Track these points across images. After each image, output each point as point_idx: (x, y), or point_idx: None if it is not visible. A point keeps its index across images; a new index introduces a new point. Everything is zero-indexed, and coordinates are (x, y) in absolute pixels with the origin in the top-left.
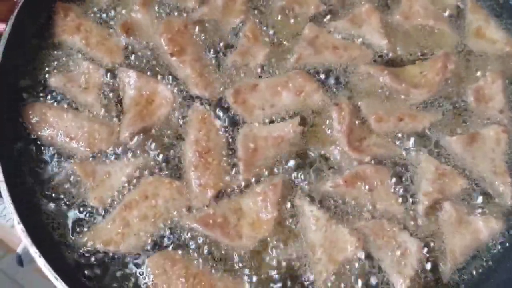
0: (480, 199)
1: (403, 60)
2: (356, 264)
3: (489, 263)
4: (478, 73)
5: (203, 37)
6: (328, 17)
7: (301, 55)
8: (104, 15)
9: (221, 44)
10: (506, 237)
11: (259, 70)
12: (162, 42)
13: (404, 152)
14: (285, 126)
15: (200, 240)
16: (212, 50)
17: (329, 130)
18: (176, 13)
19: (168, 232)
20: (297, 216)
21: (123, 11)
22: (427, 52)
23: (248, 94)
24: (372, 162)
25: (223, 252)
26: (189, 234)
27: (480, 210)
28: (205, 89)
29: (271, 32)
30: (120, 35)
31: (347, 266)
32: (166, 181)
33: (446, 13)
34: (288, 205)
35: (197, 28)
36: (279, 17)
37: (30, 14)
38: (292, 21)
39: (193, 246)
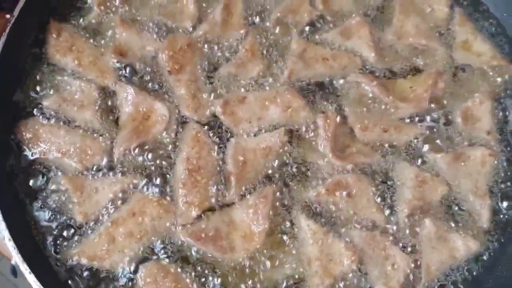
0: (458, 217)
1: (394, 75)
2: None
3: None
4: (467, 93)
5: (205, 55)
6: (319, 26)
7: (293, 70)
8: (94, 35)
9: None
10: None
11: (253, 82)
12: (162, 58)
13: (386, 161)
14: (271, 136)
15: (192, 255)
16: (210, 69)
17: (314, 139)
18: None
19: (157, 247)
20: (293, 229)
21: (108, 33)
22: (418, 68)
23: (237, 106)
24: (356, 170)
25: (214, 267)
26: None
27: (458, 227)
28: (195, 111)
29: (267, 44)
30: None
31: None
32: (153, 199)
33: (436, 29)
34: (281, 217)
35: (199, 45)
36: (277, 29)
37: (22, 32)
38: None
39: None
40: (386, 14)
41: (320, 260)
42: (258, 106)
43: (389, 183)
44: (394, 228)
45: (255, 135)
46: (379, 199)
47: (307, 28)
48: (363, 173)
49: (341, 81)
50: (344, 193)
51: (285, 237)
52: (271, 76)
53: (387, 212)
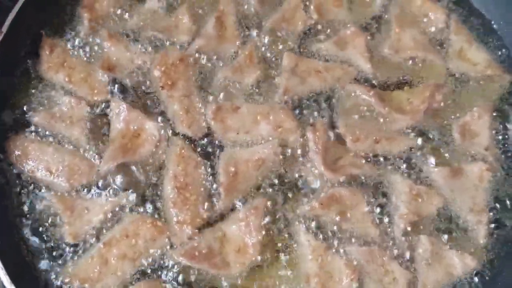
0: (455, 233)
1: (389, 86)
2: None
3: None
4: (464, 106)
5: (199, 69)
6: (312, 36)
7: (287, 87)
8: (85, 51)
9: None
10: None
11: (250, 90)
12: (155, 74)
13: (379, 173)
14: (265, 148)
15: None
16: (205, 84)
17: (304, 156)
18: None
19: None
20: (291, 245)
21: (98, 48)
22: (415, 80)
23: (228, 114)
24: (349, 183)
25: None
26: (170, 272)
27: (455, 244)
28: (189, 127)
29: (260, 55)
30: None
31: None
32: (148, 221)
33: (433, 39)
34: (277, 230)
35: (193, 60)
36: (269, 39)
37: (12, 48)
38: (280, 46)
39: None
40: (382, 25)
41: (319, 277)
42: (249, 119)
43: (383, 196)
44: (390, 243)
45: (246, 146)
46: (374, 213)
47: (300, 39)
48: (357, 186)
49: (335, 92)
50: (338, 206)
51: (281, 254)
52: (268, 88)
53: (383, 226)
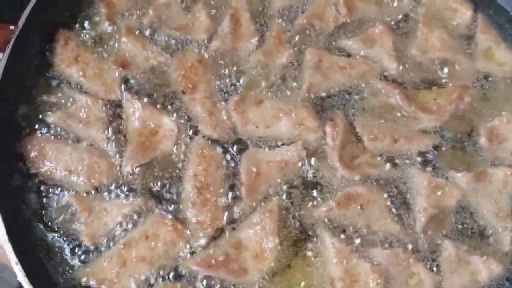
0: (479, 239)
1: (416, 86)
2: None
3: None
4: (492, 109)
5: (218, 71)
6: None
7: (312, 84)
8: (99, 47)
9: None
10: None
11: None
12: (175, 78)
13: (396, 171)
14: (288, 150)
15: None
16: (225, 83)
17: (322, 154)
18: (181, 47)
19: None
20: (312, 248)
21: (114, 43)
22: (443, 81)
23: (250, 107)
24: (366, 181)
25: None
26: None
27: (480, 249)
28: (214, 129)
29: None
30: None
31: None
32: (168, 223)
33: (460, 39)
34: (295, 233)
35: (211, 60)
36: (297, 38)
37: (27, 44)
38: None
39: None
40: (410, 25)
41: (344, 281)
42: (271, 114)
43: (401, 192)
44: (412, 243)
45: (269, 147)
46: (393, 210)
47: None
48: (374, 183)
49: (359, 90)
50: (356, 205)
51: (309, 253)
52: (294, 81)
53: (402, 222)
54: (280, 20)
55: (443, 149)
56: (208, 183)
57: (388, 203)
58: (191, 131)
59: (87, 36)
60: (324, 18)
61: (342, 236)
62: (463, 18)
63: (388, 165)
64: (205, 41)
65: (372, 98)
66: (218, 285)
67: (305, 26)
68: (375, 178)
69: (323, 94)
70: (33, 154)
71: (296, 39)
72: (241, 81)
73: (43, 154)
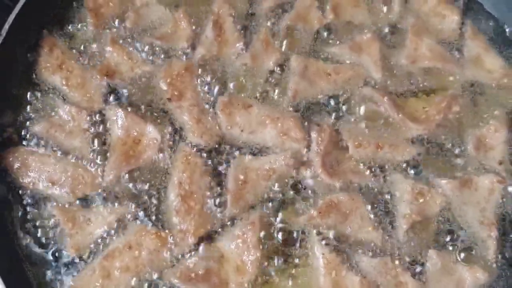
0: (464, 247)
1: (404, 94)
2: None
3: None
4: (480, 118)
5: (205, 78)
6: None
7: (297, 91)
8: (84, 55)
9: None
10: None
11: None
12: (161, 86)
13: (379, 178)
14: (277, 159)
15: None
16: (211, 90)
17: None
18: (164, 56)
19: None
20: (301, 257)
21: (99, 52)
22: (431, 89)
23: (238, 110)
24: (348, 188)
25: None
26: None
27: (465, 258)
28: (201, 137)
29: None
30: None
31: None
32: (152, 231)
33: (449, 46)
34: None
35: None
36: (284, 41)
37: (11, 52)
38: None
39: None
40: (399, 34)
41: None
42: (257, 119)
43: (384, 199)
44: (396, 251)
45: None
46: (376, 218)
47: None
48: (356, 191)
49: (346, 97)
50: (338, 214)
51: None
52: (280, 87)
53: (385, 230)
54: (268, 23)
55: (428, 156)
56: (192, 191)
57: (370, 210)
58: (176, 138)
59: (72, 44)
60: (308, 19)
61: (325, 243)
62: (451, 25)
63: (371, 172)
64: (189, 49)
65: (359, 105)
66: None
67: (291, 28)
68: (357, 185)
69: (312, 100)
70: (16, 165)
71: (284, 42)
72: (228, 86)
73: (26, 165)
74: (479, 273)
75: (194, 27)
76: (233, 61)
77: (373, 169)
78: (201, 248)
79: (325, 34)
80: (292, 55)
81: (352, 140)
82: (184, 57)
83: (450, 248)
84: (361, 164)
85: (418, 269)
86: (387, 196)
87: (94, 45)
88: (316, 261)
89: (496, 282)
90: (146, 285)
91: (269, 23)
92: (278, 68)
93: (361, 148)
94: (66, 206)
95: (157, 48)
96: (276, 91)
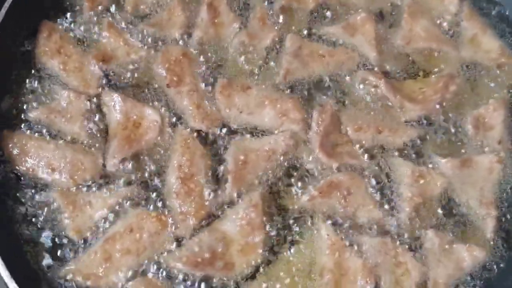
0: (463, 226)
1: (401, 75)
2: None
3: None
4: (478, 98)
5: (203, 62)
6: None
7: (289, 70)
8: (81, 40)
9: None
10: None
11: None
12: (159, 72)
13: (379, 161)
14: (276, 139)
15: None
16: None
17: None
18: (160, 43)
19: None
20: (303, 236)
21: (95, 37)
22: (427, 70)
23: (237, 92)
24: (345, 169)
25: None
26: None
27: (463, 236)
28: (202, 122)
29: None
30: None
31: None
32: (152, 214)
33: (445, 27)
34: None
35: (196, 53)
36: (280, 19)
37: (9, 37)
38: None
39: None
40: (395, 14)
41: (333, 273)
42: (256, 101)
43: (385, 183)
44: (395, 226)
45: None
46: (377, 198)
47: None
48: (357, 173)
49: (344, 79)
50: (339, 193)
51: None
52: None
53: (385, 210)
54: (265, 3)
55: (428, 138)
56: (193, 173)
57: (372, 191)
58: (175, 120)
59: (69, 29)
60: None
61: (330, 223)
62: (449, 6)
63: (370, 155)
64: (185, 36)
65: (358, 88)
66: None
67: (285, 8)
68: (356, 168)
69: (309, 80)
70: (15, 151)
71: (280, 21)
72: (227, 68)
73: (25, 152)
74: (476, 251)
75: (188, 13)
76: (230, 41)
77: (374, 151)
78: (205, 232)
79: (321, 13)
80: (288, 34)
81: (351, 123)
82: (181, 42)
83: (450, 227)
84: (358, 146)
85: (418, 249)
86: (388, 179)
87: (90, 30)
88: (320, 241)
89: (495, 261)
90: (147, 268)
91: (265, 3)
92: (275, 47)
93: (361, 132)
94: (66, 190)
95: (156, 35)
96: (274, 70)
